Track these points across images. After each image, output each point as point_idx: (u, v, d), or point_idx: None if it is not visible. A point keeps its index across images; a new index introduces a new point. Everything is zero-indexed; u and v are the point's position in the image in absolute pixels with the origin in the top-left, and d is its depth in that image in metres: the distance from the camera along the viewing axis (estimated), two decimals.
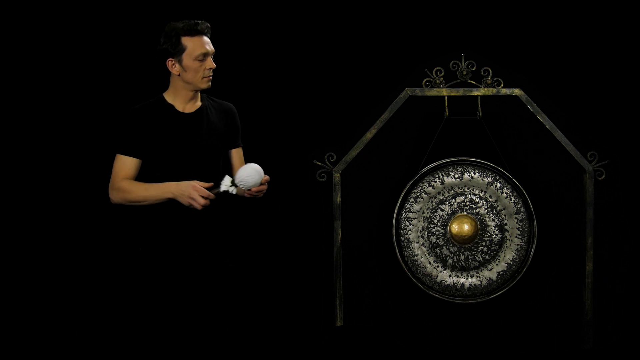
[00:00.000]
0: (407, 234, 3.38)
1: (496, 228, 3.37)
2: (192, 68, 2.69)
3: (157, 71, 2.89)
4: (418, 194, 3.39)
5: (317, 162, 3.31)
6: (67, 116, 3.84)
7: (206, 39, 2.72)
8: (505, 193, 3.39)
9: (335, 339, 3.43)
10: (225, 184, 2.60)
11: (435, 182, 3.39)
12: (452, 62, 3.33)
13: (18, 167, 3.80)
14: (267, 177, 2.62)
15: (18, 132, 3.81)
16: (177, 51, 2.69)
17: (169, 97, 2.77)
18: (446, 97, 3.35)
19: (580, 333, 3.52)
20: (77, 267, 3.85)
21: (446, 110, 3.34)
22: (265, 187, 2.65)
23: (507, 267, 3.39)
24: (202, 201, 2.56)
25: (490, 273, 3.40)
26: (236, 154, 2.91)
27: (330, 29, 3.97)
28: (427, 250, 3.40)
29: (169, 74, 2.76)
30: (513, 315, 3.96)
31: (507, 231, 3.39)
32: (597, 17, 3.96)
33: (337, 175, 3.31)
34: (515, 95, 3.36)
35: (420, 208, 3.39)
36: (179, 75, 2.71)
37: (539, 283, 3.98)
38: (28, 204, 3.82)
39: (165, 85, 2.83)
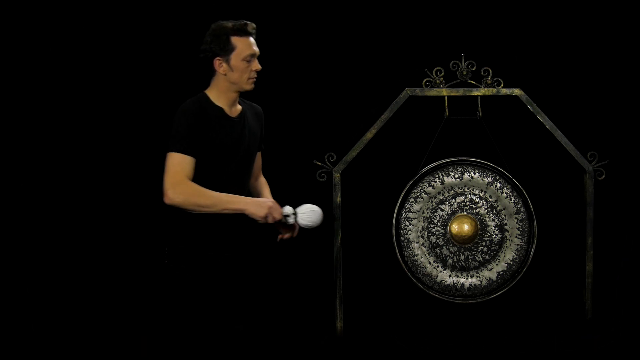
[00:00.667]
0: (407, 234, 3.38)
1: (496, 228, 3.37)
2: (240, 68, 2.68)
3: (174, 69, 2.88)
4: (418, 194, 3.39)
5: (317, 162, 3.31)
6: (98, 115, 3.86)
7: (253, 40, 2.71)
8: (505, 193, 3.39)
9: (335, 339, 3.43)
10: (289, 209, 2.68)
11: (435, 182, 3.38)
12: (452, 62, 3.33)
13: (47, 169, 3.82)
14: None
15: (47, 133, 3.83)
16: (226, 51, 2.67)
17: (213, 98, 2.72)
18: (446, 97, 3.35)
19: (580, 333, 3.52)
20: (108, 267, 3.87)
21: (446, 110, 3.34)
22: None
23: (507, 267, 3.39)
24: (278, 216, 2.64)
25: (490, 273, 3.39)
26: (258, 157, 2.92)
27: (331, 30, 3.97)
28: (427, 250, 3.40)
29: (207, 73, 2.72)
30: (513, 315, 3.96)
31: (507, 231, 3.38)
32: (597, 17, 3.96)
33: (337, 175, 3.31)
34: (515, 95, 3.36)
35: (420, 208, 3.39)
36: (225, 74, 2.69)
37: (539, 283, 3.99)
38: (55, 204, 3.85)
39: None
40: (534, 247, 3.39)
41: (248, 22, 2.72)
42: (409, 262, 3.39)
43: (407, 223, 3.39)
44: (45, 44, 3.84)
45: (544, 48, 3.98)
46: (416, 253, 3.40)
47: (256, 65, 2.71)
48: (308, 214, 2.67)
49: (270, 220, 2.62)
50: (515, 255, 3.39)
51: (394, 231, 3.38)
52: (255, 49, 2.71)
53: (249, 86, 2.72)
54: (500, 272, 3.39)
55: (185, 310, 2.73)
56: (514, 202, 3.39)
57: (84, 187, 3.93)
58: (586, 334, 3.45)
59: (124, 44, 3.91)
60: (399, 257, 3.38)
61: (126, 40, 3.90)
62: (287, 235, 2.83)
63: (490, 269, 3.39)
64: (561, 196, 3.98)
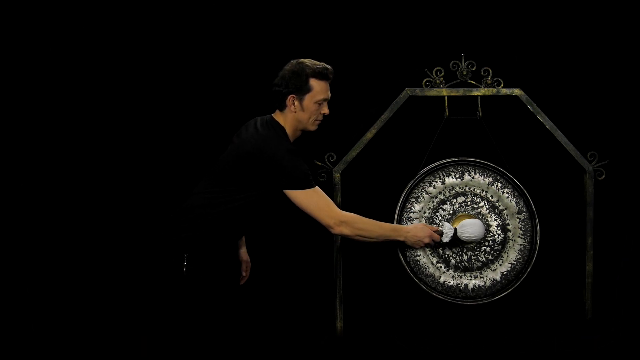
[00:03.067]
0: None
1: (498, 228, 3.37)
2: (310, 110, 2.76)
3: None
4: (419, 193, 3.39)
5: (317, 162, 3.30)
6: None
7: (328, 85, 2.79)
8: (507, 193, 3.39)
9: (335, 339, 3.42)
10: (449, 235, 2.75)
11: (436, 182, 3.38)
12: (452, 62, 3.33)
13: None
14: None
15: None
16: (302, 91, 2.74)
17: (288, 133, 2.80)
18: (446, 97, 3.35)
19: (580, 333, 3.52)
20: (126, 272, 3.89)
21: (446, 110, 3.34)
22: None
23: (510, 267, 3.38)
24: (438, 237, 2.84)
25: (494, 274, 3.39)
26: None
27: (331, 30, 3.97)
28: (430, 251, 3.40)
29: (271, 105, 2.81)
30: (513, 315, 3.96)
31: (510, 231, 3.38)
32: (597, 17, 3.96)
33: (337, 175, 3.31)
34: (515, 95, 3.36)
35: (422, 208, 3.38)
36: (295, 112, 2.75)
37: (540, 283, 3.99)
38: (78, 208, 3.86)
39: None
40: (537, 248, 3.39)
41: (329, 66, 2.79)
42: (412, 262, 3.39)
43: (408, 223, 3.39)
44: (45, 44, 3.84)
45: (544, 48, 3.98)
46: (418, 253, 3.39)
47: (325, 109, 2.79)
48: (468, 228, 2.74)
49: (429, 242, 2.84)
50: (519, 256, 3.39)
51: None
52: (329, 94, 2.76)
53: (313, 127, 2.81)
54: (504, 273, 3.39)
55: (202, 315, 2.74)
56: (516, 202, 3.39)
57: (99, 191, 3.94)
58: (586, 334, 3.45)
59: (126, 45, 3.91)
60: (401, 258, 3.38)
61: (128, 42, 3.90)
62: (243, 280, 2.99)
63: (494, 270, 3.39)
64: (561, 196, 3.98)
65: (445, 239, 2.75)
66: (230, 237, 2.75)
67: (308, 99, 2.73)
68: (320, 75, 2.74)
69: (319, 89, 2.74)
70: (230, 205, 2.69)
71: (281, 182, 2.66)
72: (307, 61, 2.76)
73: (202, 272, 2.70)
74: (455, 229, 2.73)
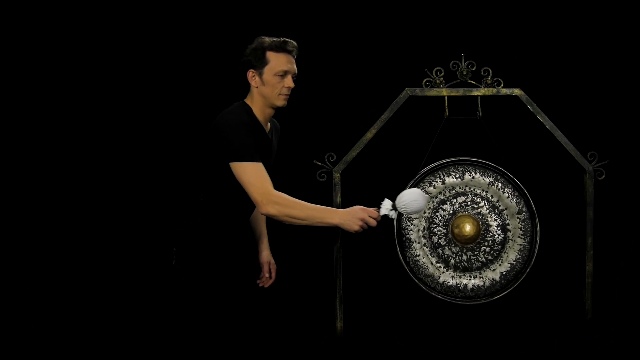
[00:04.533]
0: (408, 234, 3.38)
1: (498, 228, 3.37)
2: (271, 83, 2.72)
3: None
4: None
5: (317, 162, 3.30)
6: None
7: (290, 57, 2.76)
8: (507, 193, 3.39)
9: (335, 339, 3.42)
10: (386, 207, 2.58)
11: (437, 182, 3.38)
12: (452, 62, 3.33)
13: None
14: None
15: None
16: (261, 64, 2.72)
17: (255, 112, 2.76)
18: (446, 97, 3.35)
19: (580, 333, 3.52)
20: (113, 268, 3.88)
21: (446, 110, 3.34)
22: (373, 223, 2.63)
23: (510, 267, 3.38)
24: (374, 222, 2.57)
25: (494, 274, 3.39)
26: None
27: (331, 30, 3.97)
28: (429, 251, 3.40)
29: (244, 85, 2.78)
30: (513, 315, 3.96)
31: (510, 231, 3.38)
32: (597, 17, 3.96)
33: (337, 175, 3.31)
34: (515, 95, 3.36)
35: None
36: (257, 87, 2.74)
37: (540, 283, 3.99)
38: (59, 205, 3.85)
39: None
40: (537, 248, 3.39)
41: (289, 40, 2.76)
42: (411, 262, 3.39)
43: (409, 223, 3.39)
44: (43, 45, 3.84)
45: (544, 48, 3.98)
46: (418, 253, 3.39)
47: (289, 83, 2.75)
48: (412, 203, 2.55)
49: (367, 227, 2.59)
50: (519, 256, 3.39)
51: (395, 231, 3.38)
52: (290, 66, 2.76)
53: (280, 102, 2.76)
54: (504, 273, 3.39)
55: (191, 311, 2.74)
56: (516, 202, 3.39)
57: (90, 187, 3.93)
58: (586, 334, 3.44)
59: (127, 45, 3.91)
60: (401, 258, 3.38)
61: (130, 42, 3.90)
62: (267, 283, 2.92)
63: (494, 270, 3.39)
64: (561, 196, 3.98)
65: (384, 212, 2.60)
66: (221, 224, 2.73)
67: (267, 73, 2.72)
68: (277, 47, 2.74)
69: (276, 61, 2.73)
70: (208, 191, 2.70)
71: (224, 154, 2.63)
72: (267, 37, 2.77)
73: (193, 265, 2.71)
74: (395, 208, 2.59)
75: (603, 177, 3.39)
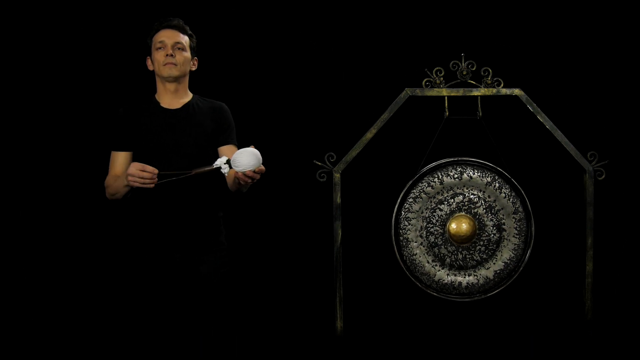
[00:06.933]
0: (406, 233, 3.38)
1: (494, 228, 3.37)
2: (157, 59, 2.82)
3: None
4: (417, 194, 3.39)
5: (317, 162, 3.31)
6: (67, 116, 3.85)
7: (172, 31, 2.84)
8: (504, 193, 3.39)
9: (335, 339, 3.43)
10: (220, 160, 2.58)
11: (435, 182, 3.38)
12: (452, 62, 3.33)
13: (16, 168, 3.81)
14: (263, 167, 2.58)
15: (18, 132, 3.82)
16: (150, 50, 2.86)
17: (157, 94, 2.89)
18: (446, 97, 3.35)
19: (580, 333, 3.52)
20: (72, 266, 3.86)
21: (446, 110, 3.34)
22: (257, 176, 2.57)
23: (504, 266, 3.39)
24: (141, 174, 2.52)
25: (487, 272, 3.39)
26: (228, 150, 2.88)
27: (331, 30, 3.97)
28: (426, 250, 3.40)
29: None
30: (513, 315, 3.96)
31: (505, 230, 3.38)
32: (597, 17, 3.96)
33: (337, 175, 3.31)
34: (515, 95, 3.36)
35: (420, 208, 3.39)
36: (153, 70, 2.87)
37: (539, 283, 3.98)
38: (27, 204, 3.83)
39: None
40: (531, 246, 3.39)
41: (171, 17, 2.87)
42: (408, 261, 3.39)
43: (406, 223, 3.39)
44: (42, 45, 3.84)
45: (544, 48, 3.98)
46: (415, 252, 3.40)
47: (167, 50, 2.80)
48: (243, 160, 2.50)
49: (140, 181, 2.54)
50: (513, 255, 3.39)
51: (393, 231, 3.38)
52: (166, 36, 2.82)
53: (164, 72, 2.83)
54: (497, 271, 3.39)
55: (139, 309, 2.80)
56: (512, 202, 3.39)
57: (90, 187, 3.93)
58: (586, 334, 3.44)
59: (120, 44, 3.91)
60: (398, 257, 3.38)
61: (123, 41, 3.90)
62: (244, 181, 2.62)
63: (488, 268, 3.39)
64: (561, 196, 3.97)
65: (217, 164, 2.56)
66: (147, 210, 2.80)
67: (153, 52, 2.85)
68: (155, 30, 2.86)
69: (156, 38, 2.85)
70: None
71: None
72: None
73: (130, 265, 2.84)
74: (229, 162, 2.54)
75: (603, 177, 3.39)
